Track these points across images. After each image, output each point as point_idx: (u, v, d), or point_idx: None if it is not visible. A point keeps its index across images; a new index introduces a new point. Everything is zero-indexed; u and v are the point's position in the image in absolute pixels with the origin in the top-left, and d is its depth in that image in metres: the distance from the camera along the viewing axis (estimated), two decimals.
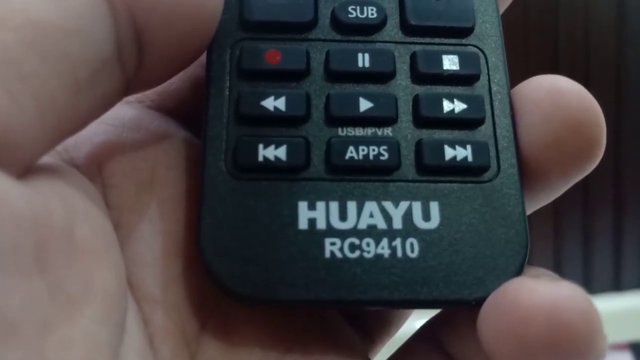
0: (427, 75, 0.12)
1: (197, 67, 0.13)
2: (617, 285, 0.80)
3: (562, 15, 0.75)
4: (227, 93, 0.12)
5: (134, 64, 0.11)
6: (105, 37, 0.10)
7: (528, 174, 0.12)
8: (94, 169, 0.12)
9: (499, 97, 0.12)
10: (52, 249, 0.09)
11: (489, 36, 0.13)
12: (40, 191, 0.09)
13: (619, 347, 0.71)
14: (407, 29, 0.13)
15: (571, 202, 0.76)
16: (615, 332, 0.68)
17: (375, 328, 0.14)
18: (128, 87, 0.11)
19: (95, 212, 0.11)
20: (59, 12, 0.09)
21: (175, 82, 0.14)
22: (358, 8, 0.13)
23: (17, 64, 0.09)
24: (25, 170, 0.10)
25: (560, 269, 0.78)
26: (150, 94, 0.14)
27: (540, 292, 0.10)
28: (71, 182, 0.11)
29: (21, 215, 0.09)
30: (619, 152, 0.78)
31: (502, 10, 0.15)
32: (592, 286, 0.80)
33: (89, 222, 0.10)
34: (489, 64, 0.13)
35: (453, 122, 0.12)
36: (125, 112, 0.13)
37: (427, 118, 0.12)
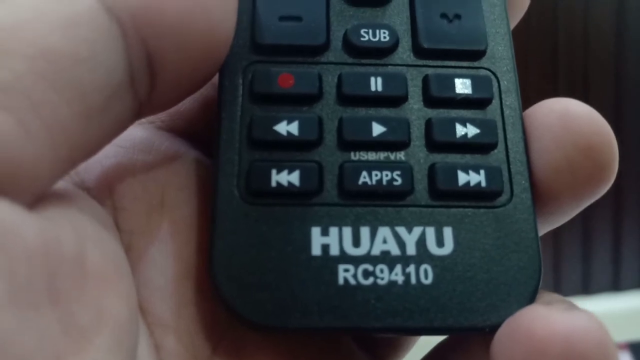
0: (440, 99, 0.12)
1: (207, 87, 0.13)
2: (616, 285, 0.81)
3: (561, 19, 0.75)
4: (240, 117, 0.12)
5: (145, 88, 0.11)
6: (116, 63, 0.10)
7: (540, 198, 0.12)
8: (105, 191, 0.12)
9: (512, 120, 0.12)
10: (64, 279, 0.09)
11: (501, 59, 0.13)
12: (51, 221, 0.09)
13: (618, 347, 0.71)
14: (420, 51, 0.13)
15: None
16: (614, 332, 0.68)
17: (385, 352, 0.14)
18: (140, 111, 0.11)
19: (106, 238, 0.11)
20: (70, 39, 0.09)
21: (185, 103, 0.14)
22: (370, 31, 0.13)
23: (28, 93, 0.09)
24: (37, 198, 0.09)
25: (559, 269, 0.78)
26: (161, 114, 0.14)
27: (555, 321, 0.10)
28: (82, 208, 0.11)
29: (34, 249, 0.09)
30: (618, 153, 0.78)
31: (512, 24, 0.15)
32: (591, 286, 0.80)
33: (100, 249, 0.10)
34: (501, 87, 0.13)
35: (466, 146, 0.12)
36: (136, 133, 0.13)
37: (440, 142, 0.12)
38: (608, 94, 0.77)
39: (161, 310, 0.12)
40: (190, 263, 0.12)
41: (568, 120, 0.12)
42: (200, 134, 0.14)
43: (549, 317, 0.10)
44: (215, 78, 0.13)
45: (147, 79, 0.11)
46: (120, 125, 0.11)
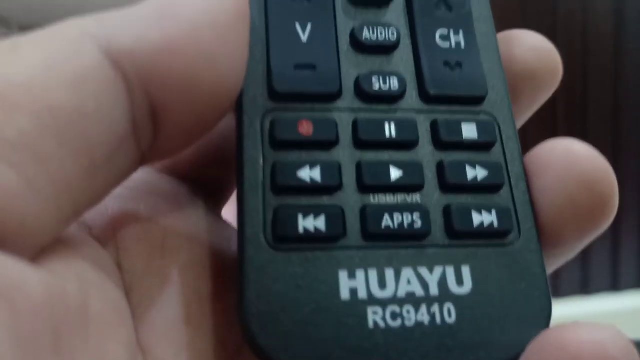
0: (449, 142, 0.13)
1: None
2: (615, 285, 0.81)
3: (560, 24, 0.75)
4: (262, 164, 0.12)
5: (148, 138, 0.11)
6: (121, 116, 0.10)
7: (545, 235, 0.13)
8: (108, 232, 0.12)
9: (514, 161, 0.13)
10: (68, 330, 0.09)
11: (500, 103, 0.14)
12: (56, 273, 0.09)
13: None
14: (426, 98, 0.13)
15: None
16: None
17: None
18: (142, 160, 0.11)
19: (109, 286, 0.11)
20: (77, 94, 0.09)
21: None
22: (381, 78, 0.13)
23: (34, 149, 0.09)
24: (42, 250, 0.10)
25: (558, 270, 0.78)
26: None
27: (585, 332, 0.10)
28: (85, 254, 0.11)
29: (40, 304, 0.09)
30: (616, 154, 0.78)
31: (542, 102, 0.15)
32: (590, 286, 0.81)
33: (102, 297, 0.10)
34: (502, 130, 0.13)
35: (476, 187, 0.13)
36: (138, 175, 0.13)
37: (453, 184, 0.13)
38: (607, 96, 0.77)
39: (162, 351, 0.12)
40: (190, 306, 0.12)
41: (570, 159, 0.12)
42: (201, 177, 0.14)
43: (577, 329, 0.10)
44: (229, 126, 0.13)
45: (150, 129, 0.11)
46: (123, 174, 0.11)
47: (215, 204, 0.15)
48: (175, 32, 0.10)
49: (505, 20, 0.81)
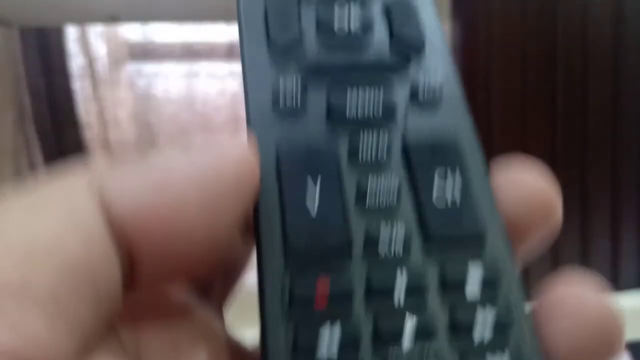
0: (457, 286, 0.14)
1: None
2: (614, 285, 0.82)
3: (559, 19, 0.76)
4: (284, 329, 0.13)
5: (124, 279, 0.12)
6: (115, 264, 0.12)
7: None
8: (129, 329, 0.13)
9: (517, 301, 0.14)
10: None
11: (498, 240, 0.14)
12: None
13: None
14: (430, 242, 0.14)
15: (569, 205, 0.77)
16: None
17: None
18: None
19: None
20: (87, 251, 0.11)
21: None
22: (388, 228, 0.14)
23: (58, 301, 0.10)
24: None
25: (558, 270, 0.79)
26: None
27: None
28: None
29: None
30: (616, 156, 0.79)
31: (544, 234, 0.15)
32: None
33: None
34: (503, 268, 0.14)
35: (489, 329, 0.13)
36: None
37: (466, 328, 0.13)
38: (606, 99, 0.78)
39: None
40: None
41: (583, 307, 0.13)
42: (204, 279, 0.16)
43: None
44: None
45: (127, 274, 0.12)
46: (117, 308, 0.12)
47: (217, 304, 0.16)
48: (162, 207, 0.12)
49: (505, 20, 0.81)
